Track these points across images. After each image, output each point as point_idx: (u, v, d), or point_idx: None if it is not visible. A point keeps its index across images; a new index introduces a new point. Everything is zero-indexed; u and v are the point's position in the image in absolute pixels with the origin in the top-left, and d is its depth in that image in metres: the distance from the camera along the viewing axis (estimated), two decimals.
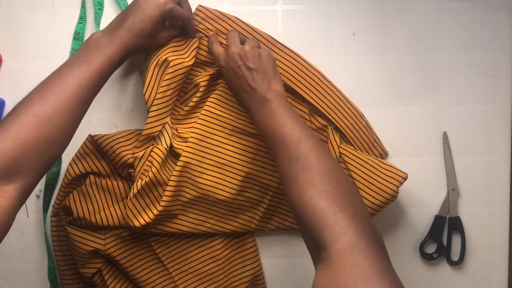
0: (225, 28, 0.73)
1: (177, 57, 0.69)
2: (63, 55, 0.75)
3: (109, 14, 0.75)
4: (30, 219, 0.77)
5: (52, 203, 0.76)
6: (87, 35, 0.75)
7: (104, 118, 0.76)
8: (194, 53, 0.71)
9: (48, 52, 0.75)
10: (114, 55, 0.64)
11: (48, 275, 0.77)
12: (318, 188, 0.56)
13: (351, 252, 0.51)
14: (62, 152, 0.61)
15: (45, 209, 0.76)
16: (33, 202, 0.76)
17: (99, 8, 0.74)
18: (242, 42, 0.69)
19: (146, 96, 0.69)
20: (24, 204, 0.75)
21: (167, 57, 0.68)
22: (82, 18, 0.74)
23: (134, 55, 0.74)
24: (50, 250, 0.76)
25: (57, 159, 0.62)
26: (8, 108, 0.75)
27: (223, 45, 0.71)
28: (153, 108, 0.69)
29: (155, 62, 0.69)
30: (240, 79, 0.66)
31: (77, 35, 0.74)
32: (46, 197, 0.75)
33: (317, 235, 0.53)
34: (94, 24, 0.75)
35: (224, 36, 0.72)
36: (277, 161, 0.62)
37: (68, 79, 0.61)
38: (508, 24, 0.75)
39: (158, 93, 0.69)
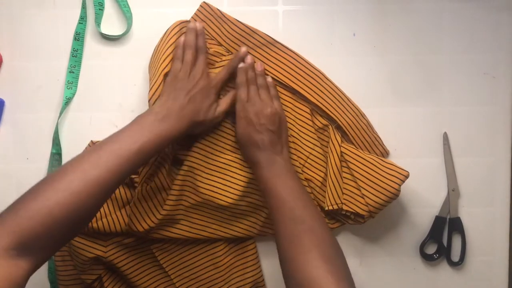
0: (223, 29, 0.72)
1: None
2: (64, 55, 0.75)
3: (110, 14, 0.75)
4: None
5: None
6: (87, 35, 0.75)
7: (104, 118, 0.76)
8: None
9: (49, 52, 0.75)
10: (157, 137, 0.63)
11: (48, 275, 0.77)
12: (321, 253, 0.60)
13: None
14: (85, 227, 0.62)
15: None
16: None
17: (99, 9, 0.74)
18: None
19: (152, 102, 0.68)
20: None
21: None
22: (83, 19, 0.74)
23: (134, 55, 0.75)
24: None
25: (79, 233, 0.64)
26: (8, 108, 0.75)
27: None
28: None
29: (164, 70, 0.68)
30: (256, 135, 0.69)
31: (78, 35, 0.75)
32: None
33: None
34: (95, 25, 0.75)
35: (222, 36, 0.72)
36: (277, 218, 0.65)
37: (107, 153, 0.60)
38: (508, 24, 0.75)
39: None
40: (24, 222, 0.53)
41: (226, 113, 0.71)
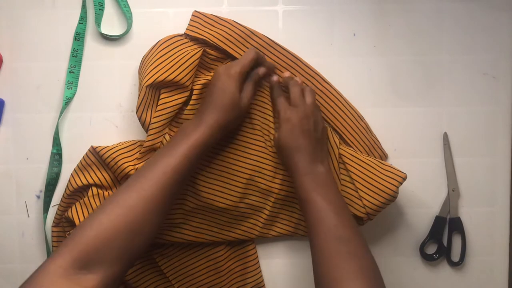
0: (223, 32, 0.72)
1: (174, 75, 0.69)
2: (64, 55, 0.75)
3: (110, 14, 0.75)
4: (30, 219, 0.77)
5: (52, 203, 0.76)
6: (87, 35, 0.75)
7: (104, 118, 0.76)
8: (192, 68, 0.70)
9: (49, 52, 0.75)
10: (199, 138, 0.64)
11: None
12: (367, 282, 0.56)
13: None
14: (148, 242, 0.59)
15: (45, 209, 0.76)
16: (33, 202, 0.76)
17: (99, 9, 0.74)
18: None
19: (139, 114, 0.69)
20: (25, 204, 0.76)
21: (159, 78, 0.68)
22: (83, 19, 0.75)
23: (134, 55, 0.75)
24: (50, 250, 0.76)
25: (143, 250, 0.59)
26: (8, 108, 0.76)
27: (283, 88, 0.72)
28: (154, 121, 0.69)
29: (147, 83, 0.68)
30: (300, 140, 0.66)
31: (78, 36, 0.75)
32: (46, 197, 0.75)
33: None
34: (95, 25, 0.75)
35: (222, 39, 0.72)
36: (317, 234, 0.61)
37: (153, 166, 0.61)
38: (508, 24, 0.75)
39: (157, 110, 0.69)
40: (79, 239, 0.54)
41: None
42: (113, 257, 0.55)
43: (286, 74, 0.72)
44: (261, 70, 0.70)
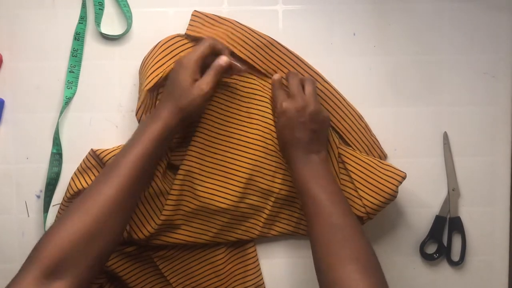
0: (223, 32, 0.72)
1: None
2: (63, 55, 0.75)
3: (110, 14, 0.75)
4: (30, 219, 0.77)
5: (52, 203, 0.76)
6: (87, 35, 0.75)
7: (104, 118, 0.76)
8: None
9: (48, 52, 0.75)
10: (155, 131, 0.64)
11: None
12: (361, 266, 0.58)
13: None
14: (111, 243, 0.60)
15: (45, 209, 0.76)
16: (33, 202, 0.76)
17: (99, 8, 0.74)
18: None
19: (138, 117, 0.69)
20: (25, 204, 0.76)
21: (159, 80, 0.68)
22: (83, 18, 0.74)
23: (134, 55, 0.74)
24: None
25: (108, 250, 0.60)
26: (8, 108, 0.75)
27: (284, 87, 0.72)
28: None
29: (147, 86, 0.68)
30: (296, 133, 0.67)
31: (78, 35, 0.74)
32: (46, 197, 0.75)
33: None
34: (95, 24, 0.75)
35: (223, 38, 0.72)
36: (314, 223, 0.63)
37: (112, 167, 0.62)
38: (508, 24, 0.75)
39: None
40: (42, 252, 0.55)
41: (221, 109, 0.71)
42: (76, 262, 0.56)
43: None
44: (222, 59, 0.67)
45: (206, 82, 0.65)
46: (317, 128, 0.68)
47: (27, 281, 0.54)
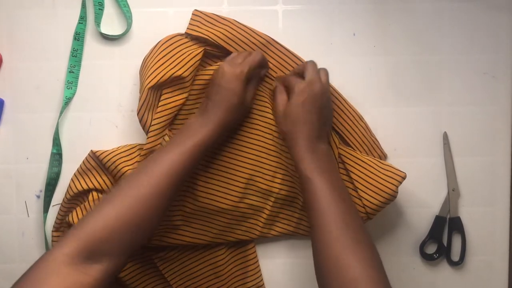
0: (224, 31, 0.72)
1: (175, 71, 0.69)
2: (63, 55, 0.75)
3: (109, 14, 0.75)
4: (30, 219, 0.77)
5: (52, 203, 0.76)
6: (87, 35, 0.75)
7: (104, 118, 0.76)
8: (195, 65, 0.70)
9: (48, 52, 0.75)
10: (205, 137, 0.64)
11: None
12: (365, 264, 0.58)
13: None
14: (149, 237, 0.61)
15: (45, 209, 0.76)
16: (33, 202, 0.76)
17: (99, 8, 0.74)
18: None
19: (140, 115, 0.69)
20: (24, 204, 0.76)
21: (160, 80, 0.68)
22: (83, 18, 0.74)
23: (134, 55, 0.74)
24: None
25: (143, 244, 0.62)
26: (8, 108, 0.75)
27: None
28: (154, 122, 0.69)
29: (149, 85, 0.68)
30: (312, 115, 0.66)
31: (78, 35, 0.74)
32: (46, 197, 0.75)
33: None
34: (95, 24, 0.75)
35: (223, 38, 0.72)
36: (313, 208, 0.62)
37: (160, 161, 0.62)
38: (508, 24, 0.75)
39: (157, 112, 0.69)
40: (86, 229, 0.55)
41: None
42: (119, 249, 0.56)
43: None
44: (263, 72, 0.71)
45: (250, 100, 0.69)
46: (328, 116, 0.68)
47: (62, 256, 0.52)
